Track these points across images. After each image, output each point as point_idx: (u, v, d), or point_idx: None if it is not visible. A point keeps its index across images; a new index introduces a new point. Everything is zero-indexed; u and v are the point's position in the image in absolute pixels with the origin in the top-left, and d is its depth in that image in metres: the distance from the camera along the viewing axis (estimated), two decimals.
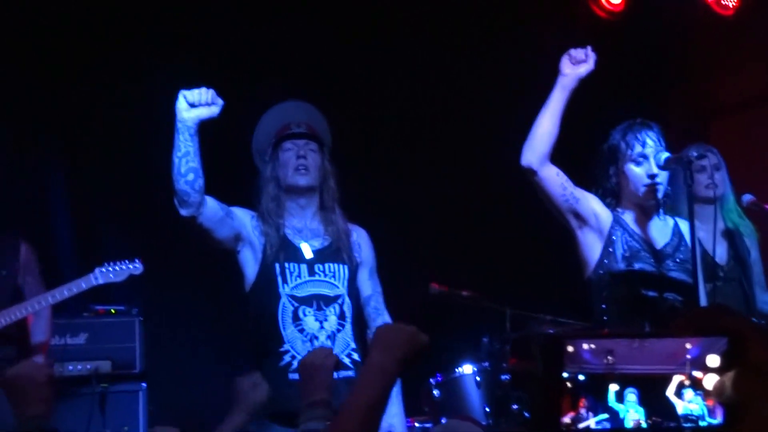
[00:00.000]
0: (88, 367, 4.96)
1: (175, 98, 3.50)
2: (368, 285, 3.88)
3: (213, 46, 5.75)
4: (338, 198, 3.86)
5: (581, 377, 1.79)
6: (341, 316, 3.73)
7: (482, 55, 6.32)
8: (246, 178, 3.93)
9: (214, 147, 3.68)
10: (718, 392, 1.74)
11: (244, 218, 3.77)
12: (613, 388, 1.79)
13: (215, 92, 3.51)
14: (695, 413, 1.80)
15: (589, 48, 3.61)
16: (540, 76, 3.75)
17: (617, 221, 3.70)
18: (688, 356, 1.79)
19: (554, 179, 3.61)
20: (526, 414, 4.63)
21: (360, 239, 3.92)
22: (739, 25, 6.63)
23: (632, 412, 1.79)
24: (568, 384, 1.79)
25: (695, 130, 6.72)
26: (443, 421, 4.67)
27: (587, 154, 3.91)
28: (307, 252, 3.77)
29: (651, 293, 3.63)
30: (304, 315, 3.68)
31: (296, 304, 3.69)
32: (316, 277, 3.75)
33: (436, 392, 4.87)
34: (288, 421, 3.32)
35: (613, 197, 3.74)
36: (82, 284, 4.63)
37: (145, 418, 5.01)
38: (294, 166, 3.78)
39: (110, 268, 4.65)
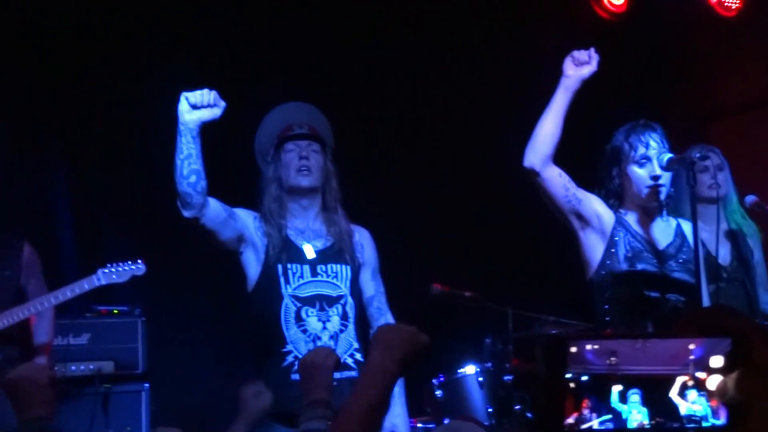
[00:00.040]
0: (91, 367, 4.96)
1: (175, 99, 3.49)
2: (371, 285, 3.88)
3: (213, 46, 5.75)
4: (340, 198, 3.86)
5: (584, 378, 1.79)
6: (344, 317, 3.73)
7: (483, 55, 6.32)
8: (248, 179, 3.93)
9: (216, 148, 3.69)
10: (721, 393, 1.74)
11: (246, 219, 3.77)
12: (617, 388, 1.80)
13: (217, 94, 3.51)
14: (698, 414, 1.81)
15: (592, 49, 3.60)
16: (541, 76, 3.75)
17: (620, 222, 3.70)
18: (692, 357, 1.79)
19: (557, 180, 3.61)
20: (529, 415, 4.63)
21: (363, 240, 3.92)
22: (740, 25, 6.62)
23: (635, 413, 1.79)
24: (571, 385, 1.79)
25: (696, 130, 6.72)
26: (446, 421, 4.66)
27: (587, 154, 3.91)
28: (310, 253, 3.76)
29: (654, 294, 3.62)
30: (307, 315, 3.68)
31: (299, 305, 3.68)
32: (319, 278, 3.74)
33: (438, 393, 4.87)
34: (290, 422, 3.32)
35: (616, 198, 3.74)
36: (85, 285, 4.62)
37: (147, 419, 5.01)
38: (296, 167, 3.78)
39: (113, 269, 4.64)
